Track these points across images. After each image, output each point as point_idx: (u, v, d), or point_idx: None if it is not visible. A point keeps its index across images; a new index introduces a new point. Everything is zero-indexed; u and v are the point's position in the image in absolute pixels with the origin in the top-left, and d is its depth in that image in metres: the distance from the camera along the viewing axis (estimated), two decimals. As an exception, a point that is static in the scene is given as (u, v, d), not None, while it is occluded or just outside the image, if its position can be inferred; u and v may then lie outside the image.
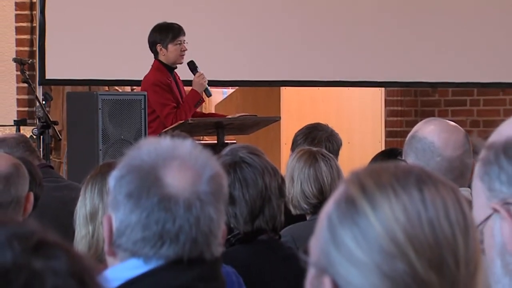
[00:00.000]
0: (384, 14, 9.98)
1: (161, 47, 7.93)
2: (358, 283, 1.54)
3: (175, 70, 8.05)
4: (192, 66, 8.06)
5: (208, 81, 8.09)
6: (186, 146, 2.27)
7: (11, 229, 1.24)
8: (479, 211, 1.76)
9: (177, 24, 7.98)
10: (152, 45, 7.98)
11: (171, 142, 2.27)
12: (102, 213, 3.20)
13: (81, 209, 3.31)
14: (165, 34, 7.94)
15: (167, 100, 7.87)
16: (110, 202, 2.27)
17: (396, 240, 1.54)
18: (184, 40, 7.93)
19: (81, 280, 1.23)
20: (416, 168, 1.63)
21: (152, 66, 8.02)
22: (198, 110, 8.36)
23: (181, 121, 7.56)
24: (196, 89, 7.99)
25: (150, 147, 2.25)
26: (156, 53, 7.98)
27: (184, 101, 7.94)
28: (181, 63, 7.99)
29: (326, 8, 9.78)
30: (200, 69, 8.04)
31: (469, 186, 3.63)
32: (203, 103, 8.52)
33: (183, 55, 7.95)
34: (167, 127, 7.67)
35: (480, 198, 1.80)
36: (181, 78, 8.13)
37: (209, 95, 8.13)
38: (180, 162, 2.22)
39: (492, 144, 1.81)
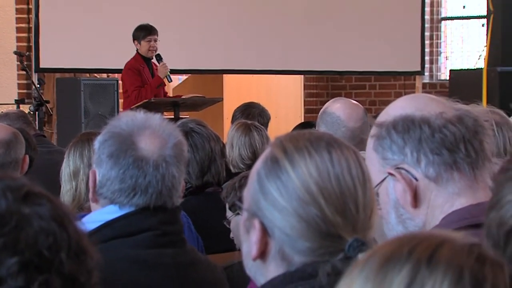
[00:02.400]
0: (303, 16, 10.00)
1: (137, 42, 7.94)
2: (281, 224, 1.54)
3: (153, 61, 7.99)
4: (158, 58, 8.03)
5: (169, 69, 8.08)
6: (156, 119, 2.26)
7: (5, 183, 1.22)
8: (375, 176, 1.76)
9: (150, 26, 7.98)
10: (133, 40, 7.96)
11: (144, 115, 2.26)
12: (83, 172, 3.17)
13: (66, 169, 3.26)
14: (140, 32, 7.96)
15: (135, 81, 7.89)
16: (95, 160, 2.25)
17: (310, 190, 1.53)
18: (156, 39, 7.91)
19: (61, 222, 1.21)
20: (326, 135, 1.63)
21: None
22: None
23: (146, 100, 7.55)
24: (159, 75, 7.97)
25: (128, 118, 2.25)
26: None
27: (149, 83, 7.92)
28: (150, 57, 7.96)
29: (260, 11, 9.78)
30: (164, 60, 8.00)
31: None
32: (165, 86, 8.45)
33: (152, 50, 7.94)
34: (133, 101, 7.70)
35: (375, 166, 1.79)
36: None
37: (169, 81, 8.10)
38: (151, 131, 2.21)
39: (382, 122, 1.80)
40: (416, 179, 1.75)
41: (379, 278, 1.03)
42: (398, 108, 1.81)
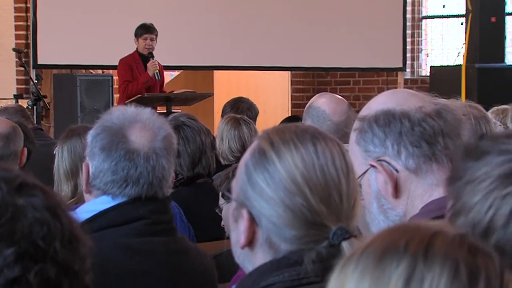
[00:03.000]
0: (290, 15, 10.00)
1: (135, 39, 7.92)
2: (268, 213, 1.53)
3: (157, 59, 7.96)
4: (150, 55, 8.00)
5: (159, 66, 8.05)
6: (146, 112, 2.26)
7: None
8: (357, 168, 1.75)
9: (149, 25, 7.98)
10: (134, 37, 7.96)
11: (135, 110, 2.25)
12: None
13: (61, 167, 3.19)
14: (138, 30, 7.99)
15: (125, 75, 7.92)
16: (88, 153, 2.25)
17: (296, 181, 1.52)
18: (152, 38, 7.90)
19: (54, 212, 1.20)
20: (311, 128, 1.62)
21: None
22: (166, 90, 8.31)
23: (139, 95, 7.54)
24: (148, 72, 7.94)
25: (119, 112, 2.24)
26: None
27: (137, 79, 7.90)
28: (146, 54, 7.92)
29: (249, 11, 9.77)
30: (156, 57, 7.98)
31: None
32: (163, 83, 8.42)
33: (147, 48, 7.93)
34: (120, 94, 7.69)
35: (357, 158, 1.79)
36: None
37: (157, 79, 8.04)
38: (142, 125, 2.21)
39: (364, 117, 1.80)
40: (397, 170, 1.75)
41: (376, 274, 1.00)
42: (380, 103, 1.81)
